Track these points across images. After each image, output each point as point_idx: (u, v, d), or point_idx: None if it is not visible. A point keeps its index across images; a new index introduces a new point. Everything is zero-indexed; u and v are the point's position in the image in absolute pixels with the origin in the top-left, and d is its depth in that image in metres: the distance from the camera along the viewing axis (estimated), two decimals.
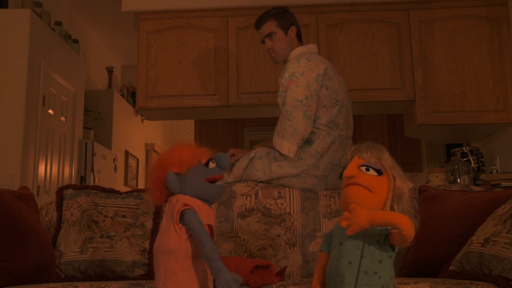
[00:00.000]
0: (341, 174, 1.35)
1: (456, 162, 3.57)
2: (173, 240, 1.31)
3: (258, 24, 2.56)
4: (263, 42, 2.58)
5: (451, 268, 1.70)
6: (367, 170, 1.29)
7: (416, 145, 5.20)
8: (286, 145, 2.26)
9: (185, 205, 1.32)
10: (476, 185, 3.39)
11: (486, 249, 1.57)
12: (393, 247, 1.27)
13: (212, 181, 1.39)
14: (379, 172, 1.29)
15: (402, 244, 1.22)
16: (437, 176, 3.54)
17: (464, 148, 3.74)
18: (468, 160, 3.67)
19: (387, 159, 1.32)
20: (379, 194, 1.28)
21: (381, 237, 1.25)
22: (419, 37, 3.55)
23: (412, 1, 3.58)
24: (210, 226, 1.36)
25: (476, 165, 3.68)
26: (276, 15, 2.52)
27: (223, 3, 3.64)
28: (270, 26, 2.51)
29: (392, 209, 1.29)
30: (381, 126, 5.47)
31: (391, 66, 3.54)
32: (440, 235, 1.84)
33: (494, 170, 3.50)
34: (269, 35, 2.52)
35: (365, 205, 1.25)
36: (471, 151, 3.72)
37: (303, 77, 2.31)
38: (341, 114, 2.37)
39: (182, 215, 1.32)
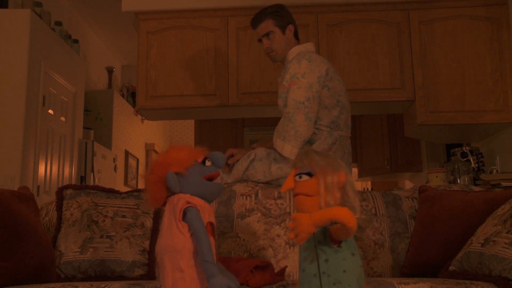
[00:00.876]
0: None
1: (456, 162, 3.58)
2: (177, 238, 1.32)
3: (255, 23, 2.53)
4: (260, 41, 2.56)
5: (451, 268, 1.70)
6: (300, 177, 1.33)
7: (416, 145, 5.19)
8: (288, 147, 2.26)
9: (187, 202, 1.33)
10: (476, 185, 3.39)
11: (486, 249, 1.57)
12: (339, 242, 1.26)
13: (210, 179, 1.41)
14: (309, 175, 1.32)
15: (347, 236, 1.23)
16: (437, 176, 3.54)
17: (464, 148, 3.74)
18: (468, 160, 3.68)
19: (314, 160, 1.34)
20: (318, 194, 1.31)
21: (320, 236, 1.27)
22: (419, 37, 3.55)
23: (412, 1, 3.58)
24: (211, 224, 1.37)
25: (476, 165, 3.68)
26: (273, 14, 2.49)
27: (223, 3, 3.64)
28: (267, 25, 2.49)
29: (329, 204, 1.30)
30: (381, 126, 5.46)
31: (391, 66, 3.54)
32: (440, 235, 1.84)
33: (494, 170, 3.50)
34: (267, 35, 2.50)
35: (308, 210, 1.27)
36: (471, 151, 3.72)
37: (304, 79, 2.30)
38: (342, 115, 2.37)
39: (184, 213, 1.33)
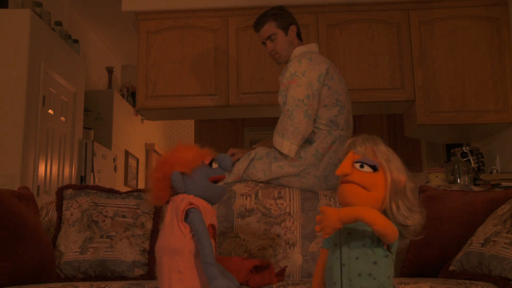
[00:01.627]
0: None
1: (456, 162, 3.57)
2: (177, 239, 1.31)
3: (258, 27, 2.54)
4: (264, 44, 2.57)
5: (451, 268, 1.70)
6: (362, 167, 1.23)
7: (416, 145, 5.19)
8: (287, 144, 2.26)
9: (190, 204, 1.33)
10: (476, 185, 3.39)
11: (486, 249, 1.57)
12: (389, 247, 1.22)
13: (215, 181, 1.40)
14: (374, 169, 1.23)
15: (387, 239, 1.17)
16: (437, 176, 3.54)
17: (464, 148, 3.74)
18: (468, 160, 3.67)
19: (382, 153, 1.26)
20: (376, 191, 1.22)
21: (374, 238, 1.21)
22: (419, 37, 3.55)
23: (412, 1, 3.58)
24: (213, 226, 1.37)
25: (476, 165, 3.68)
26: (274, 16, 2.50)
27: (223, 3, 3.64)
28: (269, 27, 2.50)
29: (396, 205, 1.23)
30: (381, 126, 5.47)
31: (391, 66, 3.54)
32: (440, 235, 1.84)
33: (494, 170, 3.50)
34: (270, 37, 2.51)
35: (361, 203, 1.20)
36: (471, 151, 3.72)
37: (304, 77, 2.30)
38: (341, 115, 2.37)
39: (187, 214, 1.32)
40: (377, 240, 1.21)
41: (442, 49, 3.53)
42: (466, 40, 3.53)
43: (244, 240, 2.01)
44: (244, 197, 2.14)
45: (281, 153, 2.30)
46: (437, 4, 3.58)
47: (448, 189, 2.08)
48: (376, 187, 1.23)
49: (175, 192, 1.38)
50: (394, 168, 1.25)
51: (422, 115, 3.47)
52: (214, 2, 3.64)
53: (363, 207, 1.17)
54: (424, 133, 3.79)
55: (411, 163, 5.23)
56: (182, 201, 1.34)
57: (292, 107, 2.28)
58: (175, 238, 1.32)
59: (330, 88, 2.35)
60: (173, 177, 1.34)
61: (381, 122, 5.46)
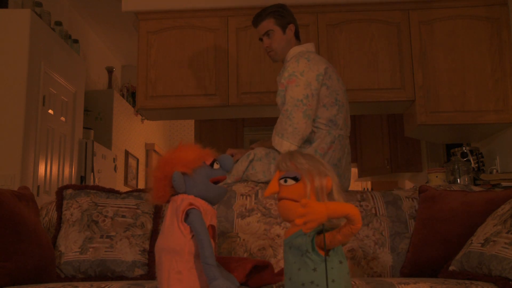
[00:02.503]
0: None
1: (456, 162, 3.57)
2: (177, 239, 1.31)
3: (256, 22, 2.54)
4: (261, 40, 2.57)
5: (451, 268, 1.70)
6: (285, 181, 1.29)
7: (416, 145, 5.19)
8: (286, 144, 2.26)
9: (190, 204, 1.33)
10: (476, 185, 3.39)
11: (486, 249, 1.57)
12: (327, 251, 1.22)
13: (216, 182, 1.40)
14: (296, 179, 1.29)
15: (346, 239, 1.18)
16: (437, 176, 3.54)
17: (464, 148, 3.74)
18: (468, 160, 3.67)
19: (301, 163, 1.31)
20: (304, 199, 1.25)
21: (307, 246, 1.21)
22: (419, 37, 3.55)
23: (412, 1, 3.58)
24: (213, 227, 1.37)
25: (476, 165, 3.67)
26: (274, 13, 2.50)
27: (223, 3, 3.64)
28: (268, 24, 2.50)
29: None
30: (381, 126, 5.46)
31: (391, 66, 3.54)
32: (440, 235, 1.84)
33: (494, 170, 3.50)
34: (267, 33, 2.51)
35: (294, 216, 1.22)
36: (471, 151, 3.72)
37: (303, 77, 2.30)
38: (340, 114, 2.37)
39: (187, 215, 1.32)
40: (311, 247, 1.22)
41: (442, 49, 3.53)
42: (466, 40, 3.53)
43: (244, 240, 2.01)
44: (244, 197, 2.14)
45: (280, 153, 2.30)
46: (437, 4, 3.58)
47: (448, 189, 2.08)
48: (303, 196, 1.28)
49: (175, 192, 1.38)
50: (316, 174, 1.30)
51: (422, 115, 3.47)
52: (214, 2, 3.64)
53: (349, 204, 1.18)
54: (424, 133, 3.79)
55: (411, 163, 5.23)
56: (182, 201, 1.33)
57: (291, 107, 2.28)
58: (175, 239, 1.32)
59: (328, 88, 2.35)
60: (174, 177, 1.34)
61: (381, 122, 5.46)
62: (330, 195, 1.30)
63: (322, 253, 1.21)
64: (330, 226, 1.23)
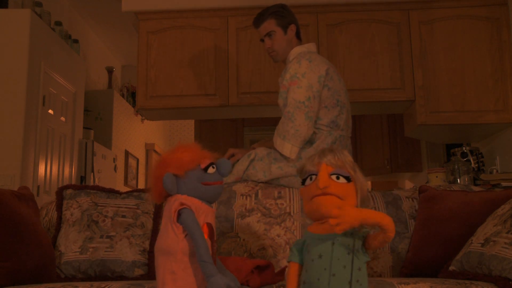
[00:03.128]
0: (305, 179, 1.34)
1: (456, 162, 3.57)
2: (170, 240, 1.31)
3: (257, 23, 2.54)
4: (262, 40, 2.57)
5: (451, 268, 1.70)
6: (338, 178, 1.30)
7: (416, 145, 5.19)
8: (288, 146, 2.26)
9: (182, 204, 1.32)
10: (476, 185, 3.39)
11: (486, 249, 1.57)
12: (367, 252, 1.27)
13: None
14: (348, 179, 1.30)
15: (380, 246, 1.23)
16: (437, 176, 3.54)
17: (464, 148, 3.74)
18: (468, 160, 3.67)
19: (351, 163, 1.33)
20: (348, 200, 1.29)
21: (358, 245, 1.25)
22: (419, 37, 3.55)
23: (412, 1, 3.58)
24: (209, 225, 1.36)
25: (476, 165, 3.67)
26: (275, 14, 2.49)
27: (223, 3, 3.64)
28: (269, 24, 2.49)
29: None
30: (381, 126, 5.46)
31: (391, 66, 3.54)
32: (440, 235, 1.84)
33: (494, 170, 3.49)
34: (269, 34, 2.50)
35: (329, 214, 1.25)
36: (471, 151, 3.72)
37: (304, 78, 2.30)
38: (342, 115, 2.37)
39: (179, 215, 1.32)
40: (361, 246, 1.26)
41: (442, 49, 3.53)
42: (466, 40, 3.53)
43: (244, 240, 2.01)
44: (244, 197, 2.14)
45: (281, 154, 2.30)
46: (437, 4, 3.58)
47: (448, 189, 2.08)
48: (350, 196, 1.30)
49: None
50: (361, 177, 1.33)
51: (422, 115, 3.47)
52: (214, 2, 3.64)
53: (383, 213, 1.22)
54: (424, 133, 3.79)
55: (411, 163, 5.23)
56: (174, 201, 1.33)
57: (293, 109, 2.27)
58: (168, 239, 1.32)
59: (330, 89, 2.34)
60: (164, 178, 1.33)
61: (381, 122, 5.46)
62: (367, 199, 1.34)
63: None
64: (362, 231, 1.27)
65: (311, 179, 1.32)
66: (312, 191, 1.31)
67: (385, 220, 1.19)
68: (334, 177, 1.29)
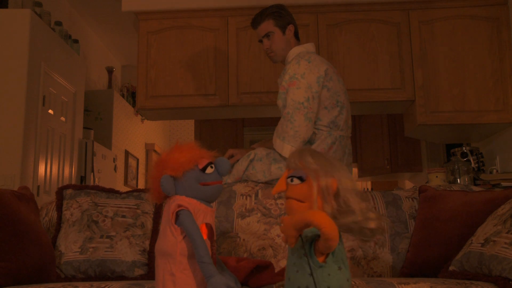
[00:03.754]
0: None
1: (456, 162, 3.58)
2: (169, 241, 1.31)
3: (255, 24, 2.54)
4: (260, 41, 2.56)
5: (451, 268, 1.70)
6: (292, 181, 1.28)
7: (416, 145, 5.19)
8: (287, 147, 2.26)
9: (179, 206, 1.31)
10: (476, 185, 3.39)
11: (486, 249, 1.57)
12: (328, 255, 1.20)
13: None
14: (301, 179, 1.27)
15: (328, 245, 1.15)
16: (437, 176, 3.54)
17: (464, 148, 3.74)
18: (468, 160, 3.67)
19: (309, 162, 1.28)
20: (308, 201, 1.25)
21: (306, 250, 1.20)
22: (419, 37, 3.56)
23: (412, 1, 3.58)
24: (208, 225, 1.36)
25: (476, 165, 3.68)
26: (273, 14, 2.49)
27: (223, 3, 3.64)
28: (267, 25, 2.49)
29: (331, 209, 1.25)
30: (381, 126, 5.46)
31: (391, 66, 3.54)
32: (440, 235, 1.84)
33: (494, 170, 3.50)
34: (267, 35, 2.50)
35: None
36: (471, 151, 3.72)
37: (303, 79, 2.30)
38: (341, 115, 2.37)
39: (177, 216, 1.31)
40: (309, 251, 1.20)
41: (442, 49, 3.53)
42: (466, 40, 3.53)
43: (244, 240, 2.01)
44: (244, 197, 2.14)
45: (281, 154, 2.29)
46: (437, 4, 3.58)
47: (448, 189, 2.08)
48: (307, 196, 1.26)
49: None
50: (322, 174, 1.26)
51: (422, 115, 3.47)
52: (214, 2, 3.64)
53: (313, 210, 1.18)
54: (424, 133, 3.79)
55: (411, 163, 5.23)
56: (172, 203, 1.33)
57: (292, 110, 2.27)
58: (166, 241, 1.31)
59: (329, 90, 2.34)
60: (162, 180, 1.32)
61: (381, 122, 5.46)
62: (337, 196, 1.27)
63: (320, 258, 1.20)
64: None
65: None
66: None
67: (310, 217, 1.12)
68: (288, 180, 1.28)
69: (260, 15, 2.52)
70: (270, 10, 2.51)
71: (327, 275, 1.18)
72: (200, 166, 1.36)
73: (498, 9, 3.54)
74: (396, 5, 3.60)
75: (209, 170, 1.37)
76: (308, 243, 1.20)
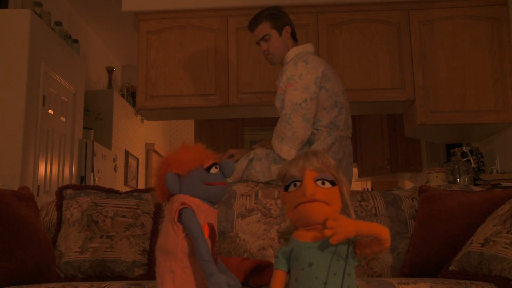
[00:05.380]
0: (288, 185, 1.31)
1: (456, 162, 3.57)
2: (170, 239, 1.32)
3: (252, 27, 2.54)
4: (258, 44, 2.57)
5: (451, 268, 1.70)
6: (323, 183, 1.27)
7: (416, 145, 5.19)
8: (286, 148, 2.26)
9: (182, 204, 1.32)
10: (476, 185, 3.39)
11: (486, 249, 1.57)
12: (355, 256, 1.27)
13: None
14: (333, 183, 1.28)
15: (373, 255, 1.26)
16: (437, 176, 3.54)
17: (464, 148, 3.74)
18: (468, 160, 3.67)
19: (333, 166, 1.30)
20: (334, 205, 1.28)
21: (342, 250, 1.23)
22: (419, 37, 3.55)
23: (412, 1, 3.58)
24: (210, 225, 1.36)
25: (476, 165, 3.68)
26: (269, 16, 2.49)
27: (223, 3, 3.64)
28: (264, 28, 2.49)
29: (350, 216, 1.29)
30: (381, 126, 5.46)
31: (391, 66, 3.54)
32: (440, 235, 1.84)
33: (494, 170, 3.50)
34: (264, 38, 2.50)
35: (322, 221, 1.25)
36: (471, 151, 3.72)
37: (301, 80, 2.30)
38: (341, 115, 2.36)
39: (180, 214, 1.32)
40: (346, 252, 1.23)
41: (442, 49, 3.53)
42: (466, 40, 3.53)
43: (244, 240, 2.01)
44: (244, 197, 2.14)
45: (279, 155, 2.29)
46: (437, 4, 3.58)
47: (448, 189, 2.08)
48: (335, 200, 1.28)
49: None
50: (344, 180, 1.31)
51: (422, 115, 3.47)
52: (214, 2, 3.64)
53: (379, 225, 1.22)
54: (424, 133, 3.79)
55: (411, 163, 5.23)
56: (176, 201, 1.34)
57: (290, 111, 2.27)
58: (168, 239, 1.32)
59: (327, 91, 2.34)
60: (167, 178, 1.34)
61: (381, 122, 5.46)
62: (346, 204, 1.32)
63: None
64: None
65: (295, 185, 1.29)
66: (297, 199, 1.27)
67: (383, 232, 1.19)
68: (319, 182, 1.27)
69: (256, 18, 2.52)
70: (266, 12, 2.51)
71: (348, 275, 1.23)
72: (205, 166, 1.37)
73: (498, 9, 3.54)
74: (396, 5, 3.60)
75: (213, 170, 1.38)
76: (352, 246, 1.25)
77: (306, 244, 1.26)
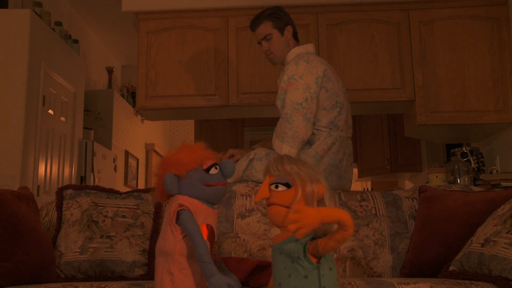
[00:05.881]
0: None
1: (456, 162, 3.57)
2: (168, 240, 1.31)
3: (254, 26, 2.54)
4: (259, 43, 2.57)
5: (451, 268, 1.70)
6: (277, 187, 1.28)
7: (416, 145, 5.19)
8: (286, 148, 2.26)
9: (180, 205, 1.32)
10: (476, 185, 3.39)
11: (486, 249, 1.57)
12: (318, 258, 1.22)
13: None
14: (287, 185, 1.28)
15: (339, 245, 1.18)
16: (437, 176, 3.54)
17: (464, 148, 3.74)
18: (468, 160, 3.67)
19: (293, 169, 1.29)
20: (293, 206, 1.25)
21: (299, 252, 1.21)
22: (419, 37, 3.56)
23: (412, 1, 3.59)
24: (209, 226, 1.36)
25: (476, 165, 3.67)
26: (271, 16, 2.49)
27: (223, 3, 3.64)
28: (265, 27, 2.49)
29: None
30: (381, 126, 5.46)
31: (391, 66, 3.54)
32: (440, 235, 1.84)
33: (494, 170, 3.49)
34: (266, 37, 2.50)
35: (284, 223, 1.25)
36: (471, 151, 3.72)
37: (302, 80, 2.30)
38: (341, 116, 2.37)
39: (178, 216, 1.32)
40: (303, 253, 1.21)
41: (442, 49, 3.53)
42: (466, 40, 3.53)
43: (244, 240, 2.01)
44: (244, 197, 2.14)
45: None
46: (437, 4, 3.58)
47: (448, 189, 2.08)
48: (293, 202, 1.27)
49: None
50: (308, 180, 1.29)
51: (422, 115, 3.47)
52: (214, 2, 3.64)
53: (340, 209, 1.18)
54: (424, 133, 3.79)
55: (411, 163, 5.23)
56: (174, 202, 1.33)
57: (290, 110, 2.27)
58: (166, 240, 1.32)
59: (328, 91, 2.34)
60: (165, 179, 1.33)
61: (381, 122, 5.46)
62: (320, 202, 1.29)
63: (313, 260, 1.21)
64: (321, 233, 1.23)
65: None
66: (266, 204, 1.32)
67: (344, 215, 1.15)
68: (273, 186, 1.29)
69: (258, 18, 2.52)
70: (267, 12, 2.51)
71: (321, 276, 1.20)
72: (205, 167, 1.36)
73: (498, 9, 3.54)
74: (396, 5, 3.60)
75: (213, 171, 1.37)
76: (302, 246, 1.20)
77: (274, 246, 1.28)
